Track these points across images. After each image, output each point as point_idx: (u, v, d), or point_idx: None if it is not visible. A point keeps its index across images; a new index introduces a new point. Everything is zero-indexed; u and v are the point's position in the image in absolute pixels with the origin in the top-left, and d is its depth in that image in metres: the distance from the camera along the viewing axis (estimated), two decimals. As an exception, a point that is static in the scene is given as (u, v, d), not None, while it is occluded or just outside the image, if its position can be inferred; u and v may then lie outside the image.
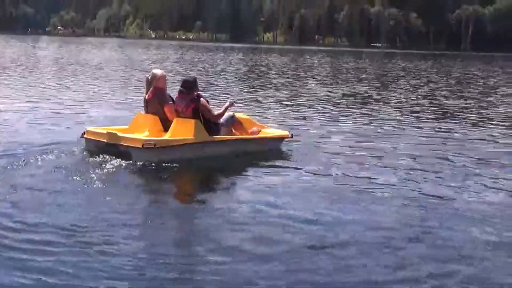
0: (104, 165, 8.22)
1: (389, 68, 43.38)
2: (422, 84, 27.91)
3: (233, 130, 9.71)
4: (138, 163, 8.33)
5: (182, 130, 8.96)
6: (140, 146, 8.45)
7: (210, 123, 9.21)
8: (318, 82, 26.75)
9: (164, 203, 7.24)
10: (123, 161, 8.33)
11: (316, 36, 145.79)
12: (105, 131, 8.97)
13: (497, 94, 24.05)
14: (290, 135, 10.30)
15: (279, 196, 7.44)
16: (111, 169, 8.12)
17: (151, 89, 9.40)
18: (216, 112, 9.31)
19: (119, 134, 8.84)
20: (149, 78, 9.50)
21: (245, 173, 8.68)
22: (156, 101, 9.30)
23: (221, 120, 9.45)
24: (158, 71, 9.62)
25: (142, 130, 9.14)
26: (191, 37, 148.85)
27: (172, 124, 9.08)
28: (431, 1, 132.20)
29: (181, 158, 8.66)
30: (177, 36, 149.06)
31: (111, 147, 8.64)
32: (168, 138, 8.93)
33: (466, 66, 53.39)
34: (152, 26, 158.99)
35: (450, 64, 55.06)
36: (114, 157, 8.40)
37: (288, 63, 44.74)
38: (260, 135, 10.05)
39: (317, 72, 35.10)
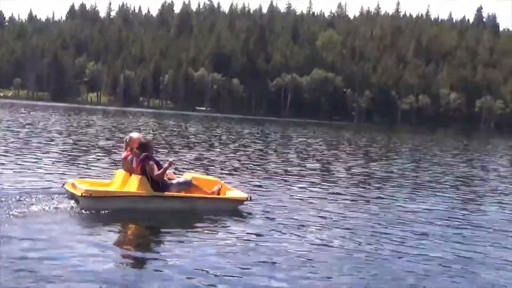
0: (61, 209, 9.33)
1: (216, 130, 44.03)
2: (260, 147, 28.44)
3: (190, 193, 10.31)
4: (82, 210, 9.36)
5: (129, 184, 10.01)
6: (80, 195, 9.48)
7: (157, 182, 10.01)
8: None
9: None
10: (77, 207, 9.46)
11: (141, 98, 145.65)
12: (72, 183, 10.08)
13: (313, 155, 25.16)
14: (248, 198, 10.51)
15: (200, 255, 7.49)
16: (62, 214, 9.10)
17: (128, 149, 10.34)
18: (157, 172, 9.98)
19: (77, 184, 9.90)
20: (126, 140, 10.42)
21: (177, 230, 8.94)
22: (129, 161, 10.30)
23: (173, 181, 10.27)
24: (133, 135, 10.51)
25: (121, 185, 10.22)
26: (9, 94, 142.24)
27: (122, 178, 10.27)
28: (253, 68, 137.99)
29: (120, 209, 9.53)
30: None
31: (73, 195, 9.82)
32: (105, 189, 10.04)
33: (285, 129, 55.82)
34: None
35: (274, 129, 57.09)
36: (73, 204, 9.58)
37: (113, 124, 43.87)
38: (208, 195, 10.41)
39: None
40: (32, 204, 9.38)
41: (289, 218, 10.04)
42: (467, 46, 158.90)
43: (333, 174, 17.88)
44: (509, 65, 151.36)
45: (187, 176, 10.88)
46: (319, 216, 10.37)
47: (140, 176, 9.92)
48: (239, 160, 19.85)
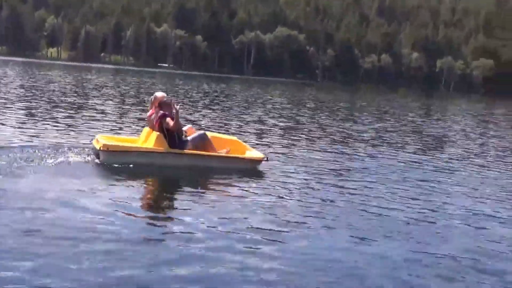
0: (83, 163, 9.88)
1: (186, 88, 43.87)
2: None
3: (204, 148, 10.64)
4: (102, 164, 9.86)
5: (149, 140, 10.52)
6: (98, 149, 10.01)
7: (174, 138, 10.40)
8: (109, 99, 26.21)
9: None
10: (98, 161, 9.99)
11: (102, 54, 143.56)
12: (97, 139, 10.53)
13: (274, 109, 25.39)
14: (265, 159, 10.74)
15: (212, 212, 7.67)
16: (83, 168, 9.61)
17: (152, 108, 10.70)
18: (171, 125, 10.31)
19: (100, 139, 10.33)
20: (151, 99, 10.84)
21: (190, 188, 9.09)
22: (152, 119, 10.63)
23: (189, 137, 10.60)
24: (158, 94, 10.86)
25: (144, 141, 10.68)
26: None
27: (146, 135, 10.70)
28: (216, 25, 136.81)
29: (138, 164, 9.97)
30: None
31: (95, 150, 10.29)
32: (122, 144, 10.48)
33: (248, 88, 55.80)
34: None
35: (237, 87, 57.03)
36: (96, 158, 10.12)
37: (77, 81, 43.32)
38: (222, 154, 10.68)
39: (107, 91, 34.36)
40: (58, 157, 9.90)
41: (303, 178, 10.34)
42: (429, 5, 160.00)
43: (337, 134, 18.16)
44: (470, 25, 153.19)
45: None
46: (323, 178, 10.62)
47: (158, 133, 10.38)
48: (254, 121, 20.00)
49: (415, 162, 13.69)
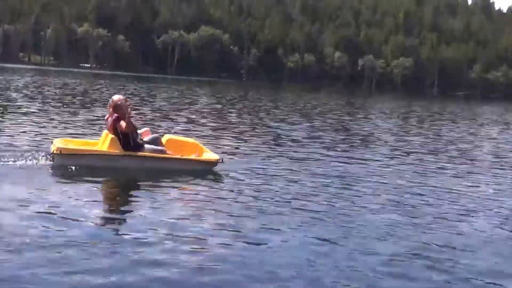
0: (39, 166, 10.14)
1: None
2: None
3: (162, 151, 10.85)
4: (56, 166, 10.17)
5: (104, 143, 10.73)
6: (52, 152, 10.34)
7: (129, 141, 10.55)
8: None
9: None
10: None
11: (21, 54, 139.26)
12: (54, 142, 10.79)
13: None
14: (220, 160, 10.88)
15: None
16: (40, 170, 9.95)
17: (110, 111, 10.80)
18: (123, 127, 10.42)
19: (56, 143, 10.60)
20: (110, 102, 10.91)
21: (143, 190, 9.51)
22: (110, 121, 10.74)
23: (148, 146, 10.72)
24: (114, 97, 11.01)
25: (102, 144, 10.85)
26: None
27: (103, 138, 10.85)
28: (139, 24, 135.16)
29: (91, 166, 10.15)
30: None
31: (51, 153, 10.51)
32: (75, 147, 10.77)
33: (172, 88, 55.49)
34: None
35: (160, 86, 56.54)
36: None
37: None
38: (175, 156, 10.84)
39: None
40: (15, 161, 10.17)
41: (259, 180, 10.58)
42: (351, 5, 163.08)
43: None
44: (389, 25, 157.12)
45: (166, 137, 11.43)
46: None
47: (112, 136, 10.55)
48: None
49: (342, 157, 14.20)
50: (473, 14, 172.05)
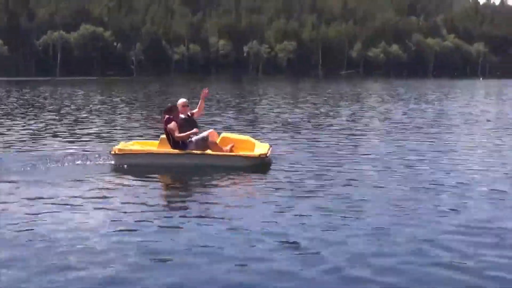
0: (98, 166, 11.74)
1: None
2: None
3: (207, 148, 11.79)
4: (113, 165, 11.63)
5: (158, 144, 12.22)
6: (109, 152, 11.96)
7: (179, 141, 11.71)
8: None
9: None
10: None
11: None
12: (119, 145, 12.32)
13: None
14: (264, 155, 11.61)
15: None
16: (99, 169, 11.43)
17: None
18: (178, 134, 11.64)
19: (117, 145, 12.18)
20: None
21: (187, 185, 10.53)
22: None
23: (193, 139, 11.81)
24: (179, 101, 12.53)
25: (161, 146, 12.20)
26: None
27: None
28: (15, 28, 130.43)
29: (141, 164, 11.44)
30: None
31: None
32: (129, 148, 12.09)
33: (55, 90, 54.28)
34: None
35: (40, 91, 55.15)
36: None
37: None
38: (223, 153, 11.73)
39: None
40: (77, 163, 11.73)
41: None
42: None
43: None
44: (271, 9, 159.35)
45: (221, 135, 12.53)
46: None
47: (163, 136, 12.06)
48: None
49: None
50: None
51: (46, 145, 15.12)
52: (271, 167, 11.71)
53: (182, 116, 12.30)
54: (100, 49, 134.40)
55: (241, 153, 11.83)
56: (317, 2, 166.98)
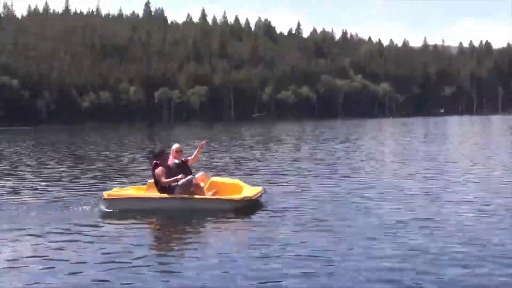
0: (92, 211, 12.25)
1: None
2: None
3: (192, 192, 12.02)
4: (105, 211, 12.06)
5: (146, 188, 12.59)
6: (100, 197, 12.28)
7: (165, 186, 11.98)
8: None
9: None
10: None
11: None
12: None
13: None
14: (248, 198, 11.71)
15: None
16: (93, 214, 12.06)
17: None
18: (163, 180, 12.02)
19: (109, 191, 12.48)
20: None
21: (175, 228, 10.99)
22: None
23: (179, 183, 11.98)
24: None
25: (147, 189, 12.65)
26: None
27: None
28: None
29: (130, 209, 11.77)
30: None
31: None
32: (117, 193, 12.35)
33: None
34: None
35: None
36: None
37: None
38: (206, 196, 12.02)
39: None
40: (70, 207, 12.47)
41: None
42: (140, 39, 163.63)
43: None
44: (180, 55, 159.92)
45: (211, 179, 12.89)
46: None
47: (151, 181, 12.46)
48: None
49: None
50: (257, 38, 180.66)
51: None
52: (258, 210, 11.95)
53: (176, 161, 12.65)
54: (7, 99, 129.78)
55: (225, 196, 12.05)
56: (226, 48, 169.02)
